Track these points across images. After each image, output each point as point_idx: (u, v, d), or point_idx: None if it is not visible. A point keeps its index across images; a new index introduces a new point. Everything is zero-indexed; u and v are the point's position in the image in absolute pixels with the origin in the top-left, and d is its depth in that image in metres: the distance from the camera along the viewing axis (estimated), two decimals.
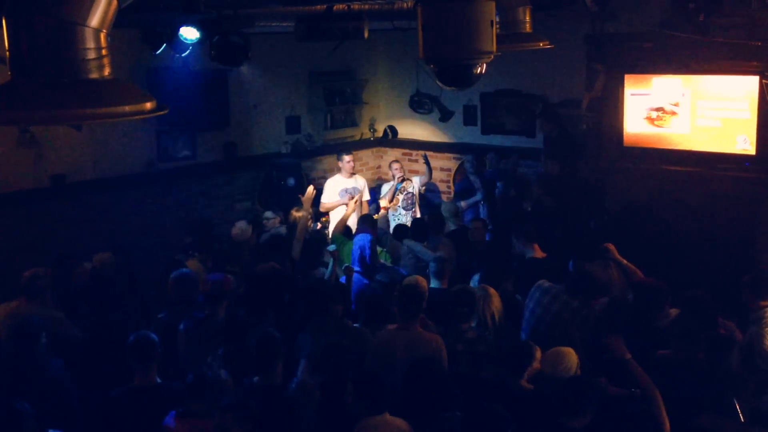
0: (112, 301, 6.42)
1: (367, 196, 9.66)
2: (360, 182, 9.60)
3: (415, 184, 9.87)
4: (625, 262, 6.33)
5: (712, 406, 4.56)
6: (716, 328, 5.22)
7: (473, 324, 5.61)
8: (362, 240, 6.89)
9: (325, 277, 6.96)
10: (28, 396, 4.71)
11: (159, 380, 4.74)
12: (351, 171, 9.49)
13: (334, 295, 5.60)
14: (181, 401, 4.40)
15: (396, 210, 9.79)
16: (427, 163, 9.99)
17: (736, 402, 4.64)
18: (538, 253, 6.80)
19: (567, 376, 4.53)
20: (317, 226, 8.86)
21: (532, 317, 5.71)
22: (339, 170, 9.60)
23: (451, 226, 8.29)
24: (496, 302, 5.74)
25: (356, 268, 6.85)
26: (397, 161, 10.11)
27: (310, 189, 7.81)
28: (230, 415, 4.02)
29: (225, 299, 5.64)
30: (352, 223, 8.78)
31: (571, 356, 4.60)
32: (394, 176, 9.73)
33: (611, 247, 6.43)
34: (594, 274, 5.88)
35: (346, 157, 9.47)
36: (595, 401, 4.16)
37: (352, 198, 9.08)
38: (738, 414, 4.64)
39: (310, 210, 7.94)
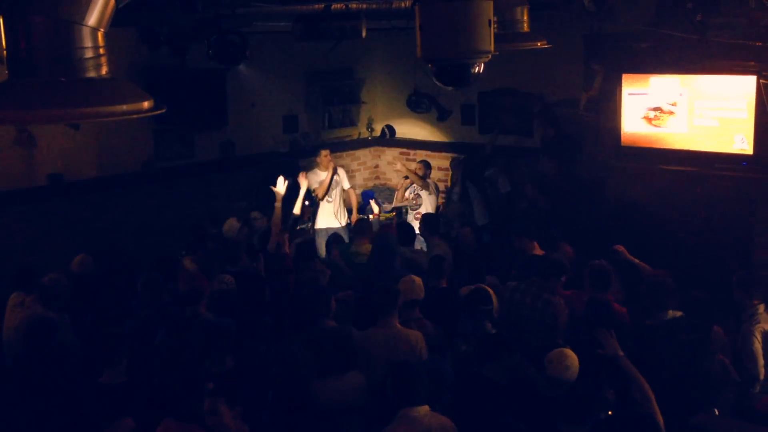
0: (103, 300, 6.42)
1: (346, 185, 9.82)
2: (338, 172, 9.78)
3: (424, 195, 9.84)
4: (637, 261, 6.37)
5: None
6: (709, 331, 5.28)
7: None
8: (384, 239, 6.91)
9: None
10: (43, 392, 4.73)
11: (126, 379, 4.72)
12: (327, 164, 9.59)
13: (322, 308, 5.60)
14: (147, 402, 4.42)
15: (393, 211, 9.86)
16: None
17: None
18: (538, 251, 6.82)
19: (570, 378, 4.53)
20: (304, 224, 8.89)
21: (510, 316, 5.77)
22: (317, 165, 9.74)
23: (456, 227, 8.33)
24: (494, 303, 5.77)
25: (374, 264, 6.84)
26: (423, 160, 10.22)
27: (281, 181, 7.80)
28: (221, 399, 4.06)
29: (202, 298, 5.62)
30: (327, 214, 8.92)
31: (574, 358, 4.61)
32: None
33: (621, 249, 6.48)
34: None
35: (323, 152, 9.68)
36: (596, 411, 4.16)
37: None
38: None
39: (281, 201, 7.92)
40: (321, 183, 9.50)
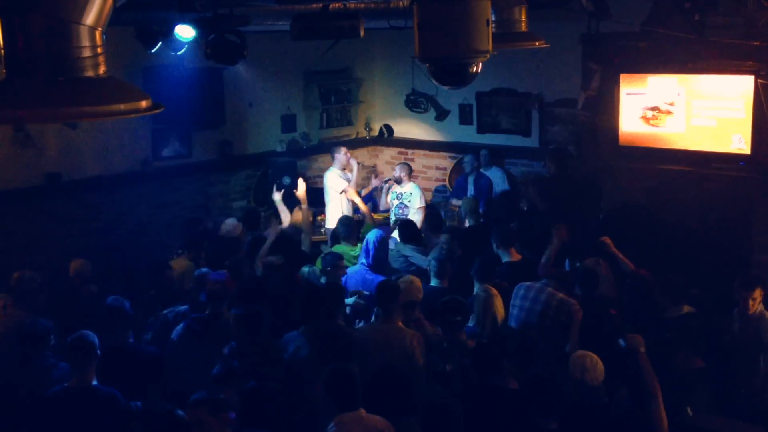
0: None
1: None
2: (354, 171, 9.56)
3: (414, 202, 9.48)
4: (620, 255, 6.44)
5: None
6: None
7: (471, 324, 5.64)
8: (372, 235, 6.90)
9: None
10: (33, 397, 4.71)
11: (95, 383, 4.69)
12: (349, 161, 9.42)
13: (327, 299, 5.59)
14: (115, 405, 4.44)
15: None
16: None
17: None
18: (515, 257, 6.82)
19: (596, 383, 4.55)
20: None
21: (522, 312, 5.77)
22: (332, 163, 9.51)
23: (468, 222, 8.27)
24: (498, 304, 5.76)
25: (366, 262, 6.84)
26: (403, 163, 10.02)
27: (302, 183, 7.75)
28: (204, 409, 4.06)
29: (227, 298, 5.64)
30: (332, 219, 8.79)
31: (599, 363, 4.63)
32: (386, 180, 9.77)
33: (607, 240, 6.54)
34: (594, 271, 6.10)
35: (344, 149, 9.45)
36: (561, 401, 4.21)
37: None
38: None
39: (306, 203, 7.91)
40: (352, 181, 9.25)
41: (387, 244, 7.04)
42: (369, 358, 4.98)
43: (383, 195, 9.74)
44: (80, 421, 4.43)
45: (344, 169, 9.43)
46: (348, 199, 9.27)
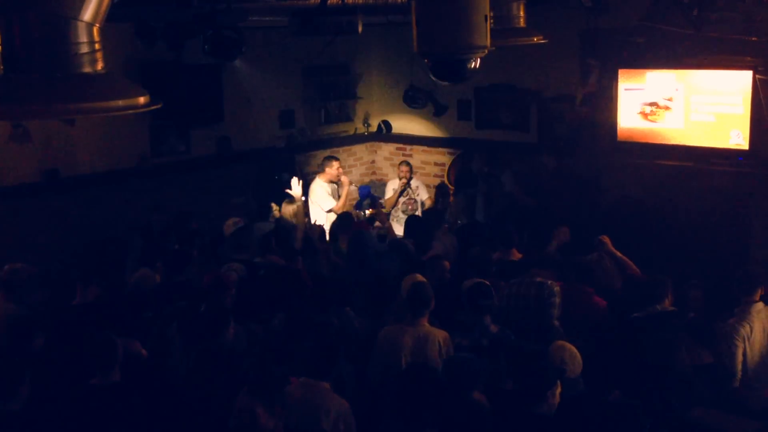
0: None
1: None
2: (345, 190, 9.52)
3: (421, 195, 9.72)
4: (619, 254, 6.43)
5: None
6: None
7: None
8: (358, 236, 6.92)
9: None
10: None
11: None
12: (339, 176, 9.37)
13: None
14: (137, 402, 4.46)
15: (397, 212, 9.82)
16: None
17: None
18: (515, 256, 6.82)
19: (574, 376, 4.55)
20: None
21: (515, 310, 5.74)
22: (322, 173, 9.41)
23: (463, 220, 8.32)
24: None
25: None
26: (406, 162, 10.14)
27: (295, 182, 7.74)
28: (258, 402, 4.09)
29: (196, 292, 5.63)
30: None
31: (577, 355, 4.65)
32: (401, 178, 9.83)
33: (606, 239, 6.54)
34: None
35: (336, 164, 9.37)
36: (554, 384, 4.22)
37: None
38: None
39: (302, 199, 7.90)
40: (341, 198, 9.17)
41: (364, 241, 7.05)
42: (404, 358, 5.04)
43: (394, 195, 9.77)
44: (102, 418, 4.39)
45: (333, 181, 9.33)
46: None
